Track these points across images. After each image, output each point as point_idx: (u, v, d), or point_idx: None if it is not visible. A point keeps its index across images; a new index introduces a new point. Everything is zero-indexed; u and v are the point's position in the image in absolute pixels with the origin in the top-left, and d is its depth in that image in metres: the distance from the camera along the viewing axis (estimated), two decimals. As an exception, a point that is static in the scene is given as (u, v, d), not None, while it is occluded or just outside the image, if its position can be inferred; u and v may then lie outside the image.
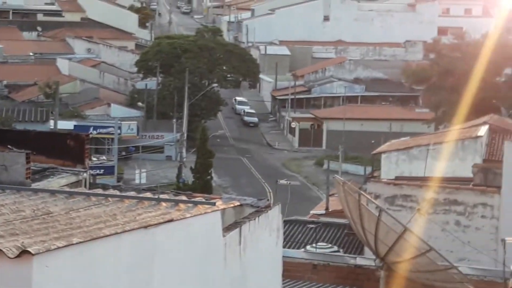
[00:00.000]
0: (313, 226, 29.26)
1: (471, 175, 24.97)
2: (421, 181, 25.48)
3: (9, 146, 13.38)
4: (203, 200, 12.08)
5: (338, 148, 64.33)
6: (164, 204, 11.34)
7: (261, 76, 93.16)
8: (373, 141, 61.52)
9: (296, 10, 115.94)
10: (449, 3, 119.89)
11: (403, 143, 37.37)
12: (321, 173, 67.17)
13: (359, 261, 19.31)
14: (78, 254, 8.60)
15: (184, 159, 65.03)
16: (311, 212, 39.75)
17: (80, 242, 8.62)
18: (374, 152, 39.19)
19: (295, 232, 29.11)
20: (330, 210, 38.65)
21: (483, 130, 35.16)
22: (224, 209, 12.18)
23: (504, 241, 18.50)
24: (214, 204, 11.61)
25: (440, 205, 23.41)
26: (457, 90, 61.54)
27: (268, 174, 67.13)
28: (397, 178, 28.76)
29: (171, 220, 10.44)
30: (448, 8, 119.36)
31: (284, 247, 17.30)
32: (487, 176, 24.01)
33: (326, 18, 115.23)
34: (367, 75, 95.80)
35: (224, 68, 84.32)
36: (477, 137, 33.93)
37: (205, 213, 11.29)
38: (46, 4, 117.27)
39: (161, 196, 11.88)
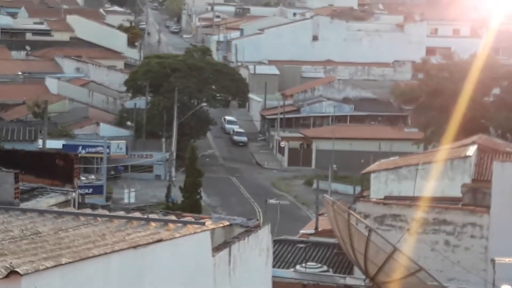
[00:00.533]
0: (302, 245, 29.18)
1: (460, 195, 24.99)
2: (410, 200, 25.48)
3: (-3, 165, 13.31)
4: (193, 220, 12.05)
5: (329, 167, 64.34)
6: (153, 224, 11.30)
7: (250, 95, 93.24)
8: (362, 161, 61.55)
9: (285, 30, 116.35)
10: (437, 24, 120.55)
11: (392, 163, 37.40)
12: (310, 192, 67.12)
13: (349, 281, 19.29)
14: (67, 274, 8.53)
15: (173, 179, 64.89)
16: (301, 231, 39.67)
17: (69, 262, 8.57)
18: (364, 171, 39.15)
19: (284, 252, 29.03)
20: (319, 229, 38.57)
21: (472, 150, 35.23)
22: (213, 229, 12.14)
23: (493, 261, 18.52)
24: (203, 224, 11.58)
25: (429, 224, 23.41)
26: (446, 110, 61.74)
27: (257, 194, 67.04)
28: (386, 197, 28.75)
29: (160, 240, 10.40)
30: (436, 28, 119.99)
31: (273, 266, 17.25)
32: (476, 196, 24.04)
33: (315, 38, 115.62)
34: (356, 94, 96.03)
35: (213, 87, 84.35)
36: (466, 157, 33.99)
37: (195, 233, 11.25)
38: (35, 23, 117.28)
39: (150, 215, 11.84)
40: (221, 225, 12.65)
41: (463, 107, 58.18)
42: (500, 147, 40.77)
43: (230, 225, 13.08)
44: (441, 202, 25.10)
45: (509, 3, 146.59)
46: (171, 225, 11.28)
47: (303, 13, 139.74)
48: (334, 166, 74.39)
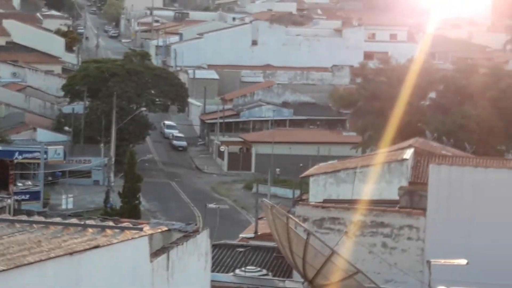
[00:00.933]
0: (242, 249, 29.21)
1: (397, 197, 25.32)
2: (348, 203, 25.72)
3: None
4: (130, 225, 11.97)
5: (268, 171, 64.53)
6: (90, 230, 11.20)
7: (189, 100, 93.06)
8: (301, 165, 61.89)
9: (224, 35, 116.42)
10: (375, 29, 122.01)
11: (330, 166, 37.67)
12: (250, 196, 67.24)
13: (288, 284, 19.38)
14: (1, 282, 8.41)
15: (112, 184, 64.37)
16: (240, 235, 39.71)
17: (3, 270, 8.44)
18: (302, 175, 39.36)
19: (224, 256, 29.03)
20: (259, 233, 38.66)
21: (408, 153, 35.69)
22: (151, 234, 12.08)
23: (429, 263, 18.80)
24: (141, 229, 11.52)
25: (367, 227, 23.66)
26: (383, 114, 62.48)
27: (197, 198, 66.91)
28: (325, 201, 28.98)
29: (97, 246, 10.32)
30: (373, 33, 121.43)
31: (213, 271, 17.24)
32: (412, 199, 24.38)
33: (254, 43, 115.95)
34: (295, 99, 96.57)
35: (153, 92, 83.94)
36: (403, 160, 34.41)
37: (132, 238, 11.19)
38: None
39: (87, 222, 11.73)
40: (159, 230, 12.60)
41: (400, 111, 58.98)
42: (436, 150, 41.44)
43: (169, 230, 13.05)
44: (379, 205, 25.39)
45: (445, 9, 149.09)
46: (108, 231, 11.20)
47: (242, 18, 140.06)
48: (277, 170, 74.78)
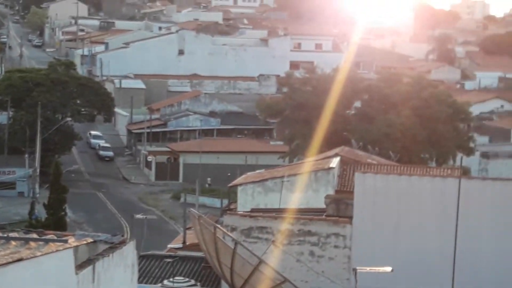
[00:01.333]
0: (170, 260, 29.06)
1: (324, 206, 25.53)
2: (276, 212, 25.83)
3: None
4: (55, 237, 11.80)
5: (196, 181, 64.34)
6: (13, 242, 11.00)
7: (116, 109, 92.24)
8: (229, 174, 61.97)
9: (150, 44, 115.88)
10: (301, 38, 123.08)
11: (258, 176, 37.83)
12: (178, 206, 66.97)
13: (216, 294, 19.33)
14: None
15: (37, 195, 63.26)
16: (169, 246, 39.51)
17: None
18: (230, 184, 39.41)
19: (152, 267, 28.83)
20: (187, 243, 38.54)
21: (335, 162, 36.08)
22: (76, 246, 11.93)
23: (355, 271, 19.00)
24: (66, 241, 11.37)
25: (294, 236, 23.78)
26: (310, 123, 63.04)
27: (124, 209, 66.30)
28: (253, 210, 29.04)
29: (20, 259, 10.13)
30: (299, 43, 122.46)
31: (141, 282, 17.10)
32: (339, 207, 24.62)
33: (181, 52, 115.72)
34: (223, 108, 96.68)
35: (78, 102, 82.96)
36: (329, 168, 34.77)
37: (57, 251, 11.02)
38: None
39: (11, 234, 11.52)
40: (85, 242, 12.45)
41: (326, 120, 59.59)
42: (362, 158, 41.99)
43: (94, 242, 12.90)
44: (306, 213, 25.56)
45: (369, 19, 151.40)
46: (32, 244, 11.02)
47: (168, 27, 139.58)
48: (208, 179, 74.66)
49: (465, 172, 55.53)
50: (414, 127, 63.62)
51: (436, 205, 23.17)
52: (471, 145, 67.31)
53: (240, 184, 36.48)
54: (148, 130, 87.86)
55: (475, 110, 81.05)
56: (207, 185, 74.66)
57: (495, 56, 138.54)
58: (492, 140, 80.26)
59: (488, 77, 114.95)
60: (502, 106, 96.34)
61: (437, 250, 22.89)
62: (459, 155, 62.75)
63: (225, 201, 52.07)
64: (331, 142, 55.46)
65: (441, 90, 72.18)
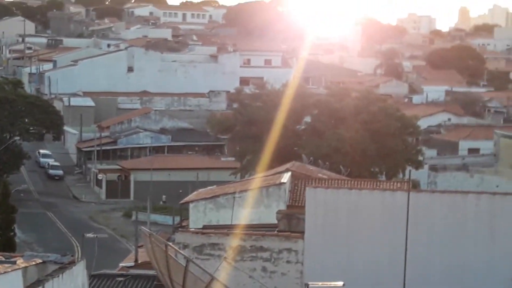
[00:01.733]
0: (121, 279, 28.83)
1: (276, 221, 25.59)
2: (228, 229, 25.81)
3: None
4: (3, 259, 11.65)
5: (147, 198, 63.99)
6: (-39, 265, 10.83)
7: (65, 128, 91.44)
8: (180, 191, 61.74)
9: (99, 61, 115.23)
10: (250, 54, 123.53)
11: (210, 192, 37.75)
12: (129, 224, 66.47)
13: (169, 312, 19.19)
14: None
15: (-15, 216, 62.25)
16: (120, 264, 39.19)
17: None
18: (182, 201, 39.26)
19: (103, 287, 28.57)
20: (139, 262, 38.28)
21: (286, 177, 36.19)
22: (25, 267, 11.79)
23: (307, 285, 19.06)
24: (14, 262, 11.22)
25: (247, 252, 23.79)
26: (261, 139, 63.18)
27: (75, 228, 65.61)
28: (205, 227, 28.99)
29: (-32, 283, 9.98)
30: (249, 59, 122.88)
31: (91, 303, 16.93)
32: (290, 222, 24.70)
33: (130, 69, 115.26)
34: (173, 125, 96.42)
35: (26, 120, 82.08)
36: (281, 184, 34.87)
37: (5, 272, 10.88)
38: None
39: (-42, 257, 11.33)
40: (34, 263, 12.31)
41: (276, 135, 59.81)
42: (313, 173, 42.19)
43: (43, 262, 12.76)
44: (258, 229, 25.58)
45: (317, 34, 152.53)
46: (-20, 266, 10.85)
47: (117, 44, 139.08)
48: (163, 197, 74.34)
49: (415, 185, 56.18)
50: (363, 141, 64.14)
51: (386, 219, 23.39)
52: (420, 158, 68.05)
53: (192, 201, 36.36)
54: (98, 148, 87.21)
55: (423, 123, 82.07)
56: (161, 203, 74.35)
57: (442, 70, 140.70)
58: (440, 153, 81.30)
59: (435, 91, 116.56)
60: (449, 119, 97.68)
61: (388, 263, 23.09)
62: (408, 169, 63.43)
63: (177, 218, 51.90)
64: (282, 157, 55.63)
65: (389, 104, 72.96)
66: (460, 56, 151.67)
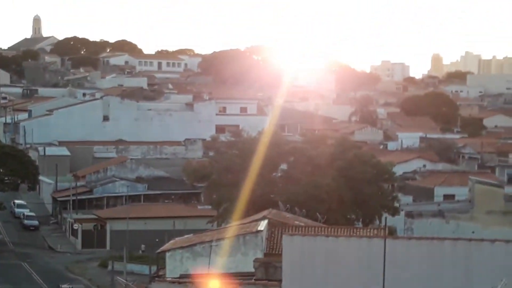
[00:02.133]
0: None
1: (253, 269, 25.63)
2: (205, 278, 25.80)
3: None
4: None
5: (124, 248, 63.66)
6: None
7: (40, 178, 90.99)
8: (157, 240, 61.47)
9: (75, 111, 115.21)
10: (226, 102, 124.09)
11: (186, 241, 37.69)
12: (105, 274, 65.95)
13: None
14: None
15: (-41, 268, 61.65)
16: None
17: None
18: (159, 250, 39.15)
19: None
20: (116, 312, 38.07)
21: (263, 225, 36.25)
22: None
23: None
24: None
25: (224, 301, 23.78)
26: (237, 186, 63.20)
27: (50, 279, 65.00)
28: (181, 276, 28.95)
29: None
30: (224, 107, 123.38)
31: None
32: (268, 270, 24.79)
33: (106, 118, 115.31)
34: (149, 173, 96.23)
35: (1, 170, 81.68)
36: (258, 231, 34.90)
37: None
38: None
39: None
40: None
41: (253, 183, 59.93)
42: (289, 221, 42.26)
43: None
44: (235, 277, 25.60)
45: (292, 82, 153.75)
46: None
47: (93, 94, 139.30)
48: (142, 246, 73.87)
49: (391, 232, 56.37)
50: (339, 188, 64.41)
51: (364, 265, 23.52)
52: (396, 205, 68.36)
53: (169, 250, 36.28)
54: (74, 198, 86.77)
55: (398, 170, 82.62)
56: (141, 252, 73.92)
57: (416, 117, 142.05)
58: (416, 199, 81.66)
59: (409, 138, 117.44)
60: (424, 165, 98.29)
61: (366, 310, 23.18)
62: (384, 215, 63.63)
63: (154, 268, 51.64)
64: (258, 205, 55.70)
65: (364, 151, 73.47)
66: (433, 103, 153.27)
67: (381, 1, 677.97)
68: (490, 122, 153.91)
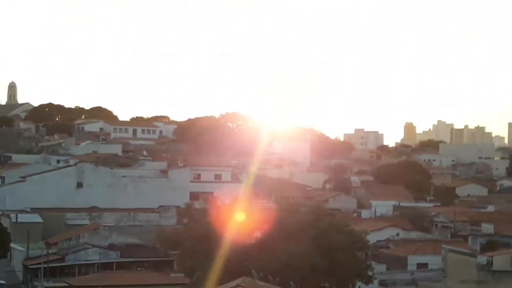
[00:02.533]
0: None
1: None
2: None
3: None
4: None
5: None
6: None
7: (12, 245, 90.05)
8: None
9: (48, 177, 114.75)
10: (200, 169, 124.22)
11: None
12: None
13: None
14: None
15: None
16: None
17: None
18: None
19: None
20: None
21: (235, 293, 36.13)
22: None
23: None
24: None
25: None
26: (210, 254, 63.01)
27: None
28: None
29: None
30: (199, 174, 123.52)
31: None
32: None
33: (80, 185, 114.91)
34: (122, 241, 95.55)
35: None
36: (230, 300, 34.79)
37: None
38: None
39: None
40: None
41: (226, 250, 59.77)
42: (263, 289, 42.12)
43: None
44: None
45: (266, 150, 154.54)
46: None
47: (67, 160, 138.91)
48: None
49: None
50: (313, 256, 64.35)
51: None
52: (369, 273, 68.32)
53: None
54: (45, 265, 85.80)
55: (372, 238, 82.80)
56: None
57: (389, 185, 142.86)
58: (389, 268, 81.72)
59: (383, 206, 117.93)
60: (397, 234, 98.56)
61: None
62: (358, 284, 63.59)
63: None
64: (232, 273, 55.46)
65: (338, 219, 73.67)
66: (407, 172, 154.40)
67: (354, 67, 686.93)
68: (463, 191, 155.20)
